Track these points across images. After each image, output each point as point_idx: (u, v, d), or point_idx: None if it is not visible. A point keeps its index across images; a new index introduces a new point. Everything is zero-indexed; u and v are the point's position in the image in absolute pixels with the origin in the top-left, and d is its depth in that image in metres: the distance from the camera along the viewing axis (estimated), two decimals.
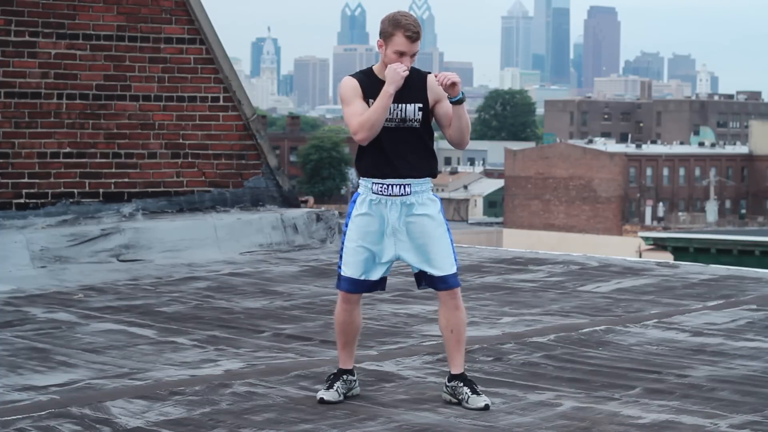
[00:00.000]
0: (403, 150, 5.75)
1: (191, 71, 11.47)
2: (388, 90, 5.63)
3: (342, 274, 5.83)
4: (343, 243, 5.83)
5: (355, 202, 5.81)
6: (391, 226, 5.75)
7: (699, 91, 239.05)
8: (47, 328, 7.76)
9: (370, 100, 5.70)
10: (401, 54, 5.67)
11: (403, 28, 5.66)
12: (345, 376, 5.89)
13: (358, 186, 5.90)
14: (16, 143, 10.56)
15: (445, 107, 5.77)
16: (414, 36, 5.66)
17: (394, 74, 5.63)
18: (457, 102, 5.69)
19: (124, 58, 11.11)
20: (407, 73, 5.66)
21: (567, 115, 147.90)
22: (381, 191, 5.75)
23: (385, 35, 5.69)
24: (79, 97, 10.89)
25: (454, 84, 5.64)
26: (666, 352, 7.06)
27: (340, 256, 5.85)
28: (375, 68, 5.81)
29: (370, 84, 5.73)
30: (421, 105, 5.75)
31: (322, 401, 5.77)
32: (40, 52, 10.68)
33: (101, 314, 8.24)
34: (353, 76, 5.79)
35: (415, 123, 5.75)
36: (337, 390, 5.82)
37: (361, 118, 5.66)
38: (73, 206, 10.81)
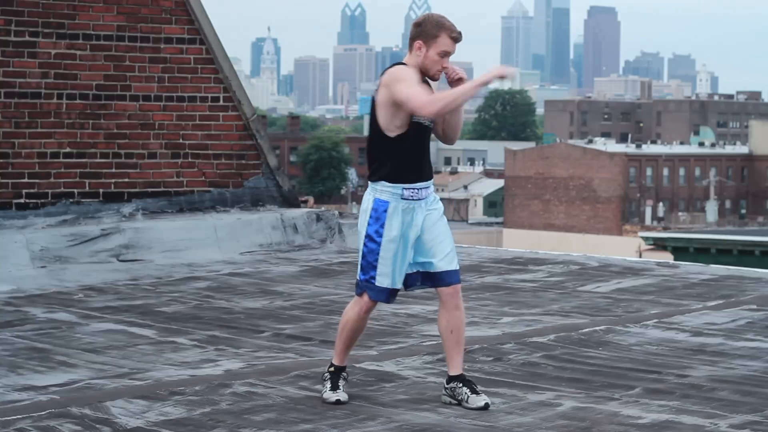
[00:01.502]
0: (426, 151, 5.75)
1: (191, 71, 11.47)
2: (481, 80, 5.57)
3: (377, 284, 5.72)
4: (375, 253, 5.68)
5: (385, 212, 5.67)
6: (415, 231, 5.72)
7: (699, 91, 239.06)
8: (47, 328, 7.76)
9: None
10: (445, 54, 5.65)
11: (448, 29, 5.64)
12: (344, 374, 5.89)
13: (368, 190, 5.73)
14: (16, 143, 10.56)
15: None
16: (459, 37, 5.66)
17: (499, 72, 5.56)
18: None
19: (124, 58, 11.11)
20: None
21: (567, 115, 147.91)
22: (412, 196, 5.69)
23: (428, 36, 5.64)
24: (79, 97, 10.89)
25: (460, 79, 5.65)
26: (666, 352, 7.06)
27: (373, 266, 5.71)
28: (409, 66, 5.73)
29: None
30: None
31: (338, 402, 5.75)
32: (40, 52, 10.68)
33: (101, 314, 8.24)
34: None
35: (431, 122, 5.77)
36: (343, 390, 5.83)
37: (436, 95, 5.57)
38: (73, 206, 10.81)
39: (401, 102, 5.57)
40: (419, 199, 5.70)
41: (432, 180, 5.80)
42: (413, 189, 5.69)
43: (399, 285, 5.78)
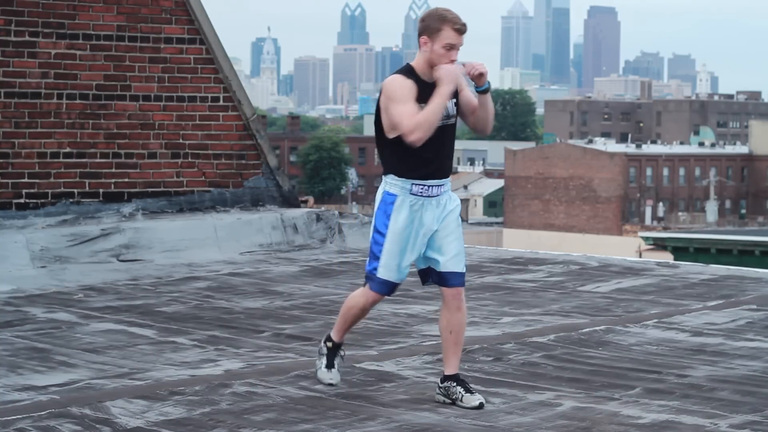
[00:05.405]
0: (444, 150, 5.69)
1: (191, 71, 11.47)
2: (448, 89, 5.52)
3: (379, 276, 5.73)
4: (380, 244, 5.70)
5: (392, 204, 5.66)
6: (426, 227, 5.70)
7: (699, 91, 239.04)
8: (47, 328, 7.76)
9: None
10: (451, 47, 5.59)
11: (451, 22, 5.59)
12: (341, 352, 6.02)
13: (384, 184, 5.72)
14: (16, 143, 10.56)
15: (467, 96, 5.72)
16: (462, 28, 5.61)
17: (451, 74, 5.53)
18: (484, 91, 5.67)
19: (124, 58, 11.11)
20: (463, 70, 5.62)
21: (567, 115, 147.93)
22: (421, 192, 5.66)
23: (431, 31, 5.60)
24: (79, 97, 10.89)
25: (481, 75, 5.62)
26: (666, 352, 7.06)
27: (376, 257, 5.72)
28: (416, 68, 5.67)
29: (418, 86, 5.61)
30: (455, 99, 5.71)
31: (331, 385, 5.89)
32: (40, 52, 10.68)
33: (101, 314, 8.24)
34: (404, 75, 5.63)
35: (453, 119, 5.72)
36: (338, 369, 5.95)
37: (417, 117, 5.49)
38: (73, 206, 10.81)
39: (393, 125, 5.58)
40: (429, 197, 5.68)
41: (448, 179, 5.75)
42: (423, 185, 5.66)
43: (401, 279, 5.78)
